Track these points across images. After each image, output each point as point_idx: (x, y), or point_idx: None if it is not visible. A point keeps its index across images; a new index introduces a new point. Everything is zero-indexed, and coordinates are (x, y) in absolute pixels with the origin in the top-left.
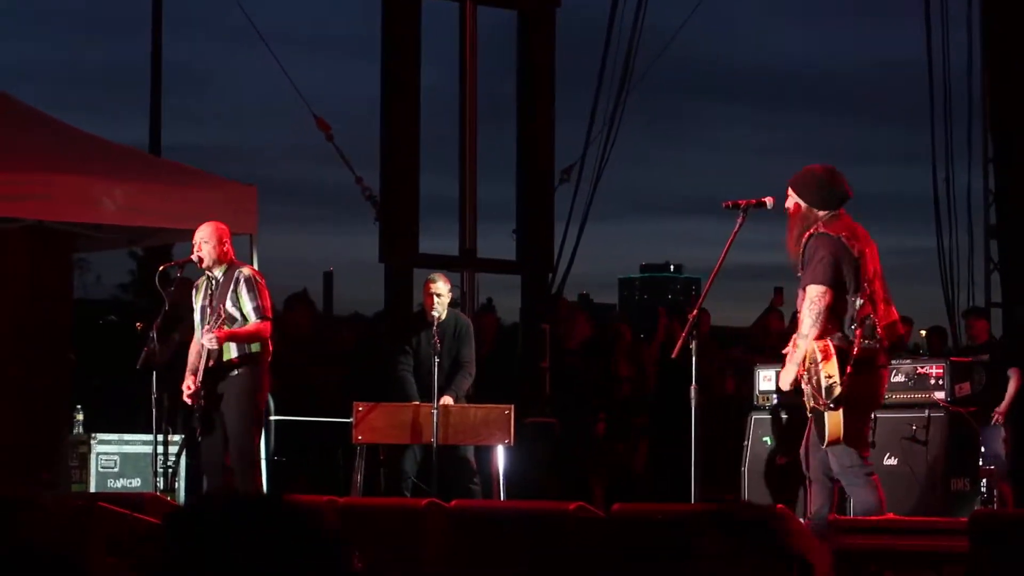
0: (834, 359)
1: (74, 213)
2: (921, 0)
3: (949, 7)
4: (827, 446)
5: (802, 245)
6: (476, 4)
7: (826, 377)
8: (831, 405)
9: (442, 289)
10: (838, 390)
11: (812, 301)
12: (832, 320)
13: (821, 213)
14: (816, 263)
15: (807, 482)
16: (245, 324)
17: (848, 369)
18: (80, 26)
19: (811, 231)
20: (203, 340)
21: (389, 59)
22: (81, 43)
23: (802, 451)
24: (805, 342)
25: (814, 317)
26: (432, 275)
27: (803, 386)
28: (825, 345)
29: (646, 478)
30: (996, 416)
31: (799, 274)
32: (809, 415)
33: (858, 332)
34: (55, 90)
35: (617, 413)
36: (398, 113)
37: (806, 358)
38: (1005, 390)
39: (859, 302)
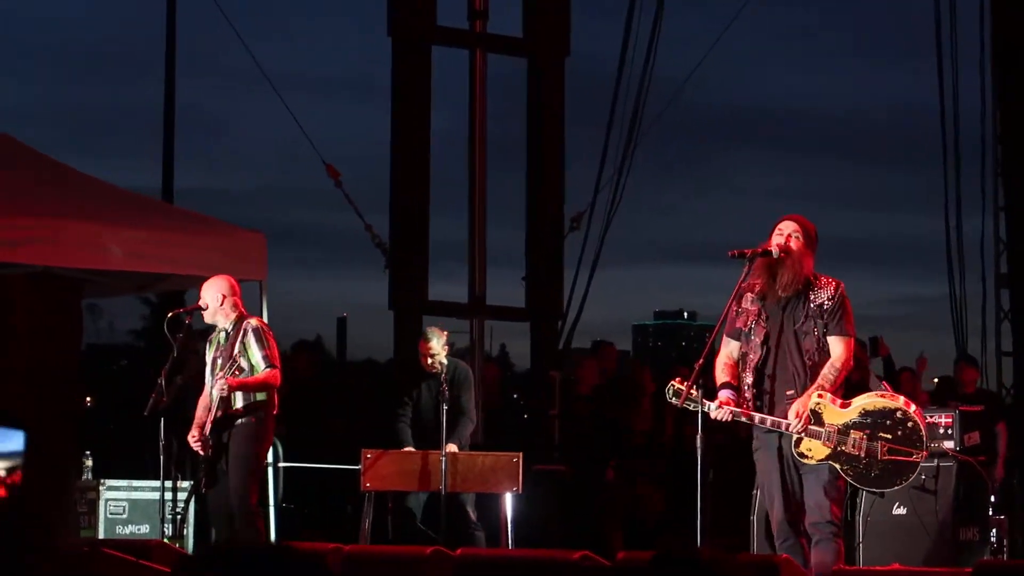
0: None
1: (80, 259)
2: (933, 45)
3: (961, 52)
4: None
5: (827, 295)
6: (486, 51)
7: (918, 426)
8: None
9: (435, 347)
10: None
11: (849, 356)
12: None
13: (811, 262)
14: (850, 316)
15: (790, 536)
16: (253, 373)
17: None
18: (90, 67)
19: (829, 281)
20: (212, 389)
21: (398, 104)
22: (91, 85)
23: (782, 511)
24: (831, 388)
25: (840, 370)
26: (426, 331)
27: (829, 440)
28: (907, 400)
29: (664, 525)
30: (1000, 474)
31: (789, 313)
32: (805, 469)
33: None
34: (62, 133)
35: (630, 460)
36: (407, 158)
37: (867, 411)
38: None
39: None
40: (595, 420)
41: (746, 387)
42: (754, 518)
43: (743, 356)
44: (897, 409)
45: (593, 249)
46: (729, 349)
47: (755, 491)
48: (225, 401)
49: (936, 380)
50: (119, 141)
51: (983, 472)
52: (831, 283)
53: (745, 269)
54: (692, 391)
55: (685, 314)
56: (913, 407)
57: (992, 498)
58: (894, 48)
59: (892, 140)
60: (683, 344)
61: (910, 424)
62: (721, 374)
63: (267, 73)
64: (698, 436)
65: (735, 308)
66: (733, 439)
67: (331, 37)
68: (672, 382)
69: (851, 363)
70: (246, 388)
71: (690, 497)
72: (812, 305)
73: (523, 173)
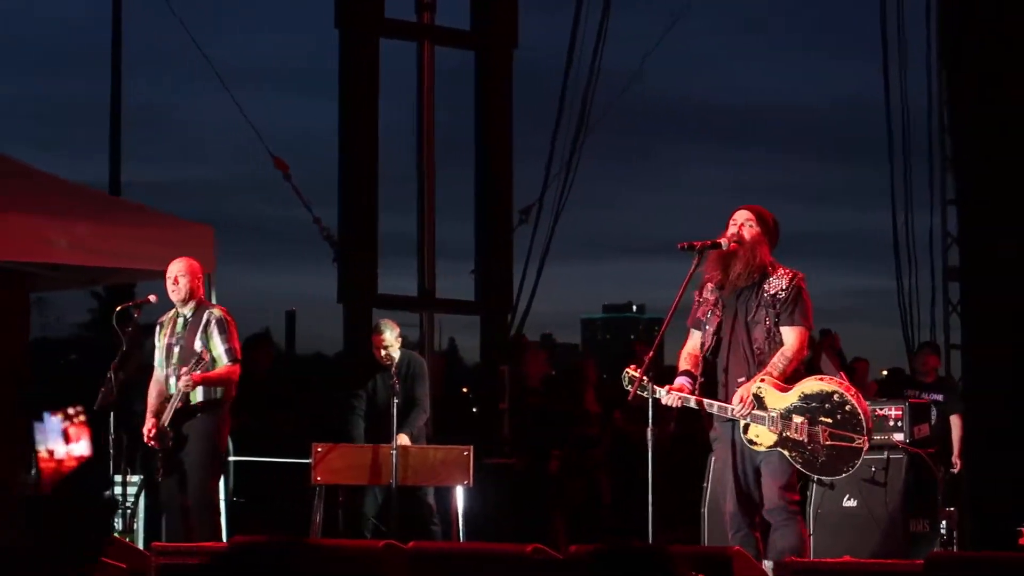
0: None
1: (25, 252)
2: (879, 39)
3: (907, 45)
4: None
5: (783, 285)
6: (434, 44)
7: (856, 410)
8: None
9: (389, 339)
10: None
11: (802, 346)
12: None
13: (768, 252)
14: (805, 307)
15: (742, 527)
16: (215, 365)
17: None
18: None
19: (785, 272)
20: (177, 383)
21: (346, 97)
22: (40, 78)
23: (734, 502)
24: (780, 377)
25: (791, 359)
26: (379, 324)
27: (774, 425)
28: (846, 385)
29: (614, 517)
30: (957, 465)
31: (744, 302)
32: (756, 457)
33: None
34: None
35: (575, 450)
36: (356, 151)
37: (806, 394)
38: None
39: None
40: (542, 413)
41: (702, 376)
42: (704, 510)
43: (702, 345)
44: (834, 392)
45: (542, 242)
46: (692, 339)
47: (705, 484)
48: (185, 395)
49: (885, 372)
50: (67, 135)
51: (933, 464)
52: (787, 273)
53: (695, 261)
54: (644, 379)
55: (634, 307)
56: (853, 391)
57: (941, 490)
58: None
59: (840, 134)
60: (632, 337)
61: (847, 408)
62: (682, 362)
63: (216, 66)
64: (648, 428)
65: (697, 298)
66: (685, 430)
67: (279, 29)
68: (627, 369)
69: (803, 353)
70: (208, 382)
71: (640, 488)
72: (766, 295)
73: (472, 166)
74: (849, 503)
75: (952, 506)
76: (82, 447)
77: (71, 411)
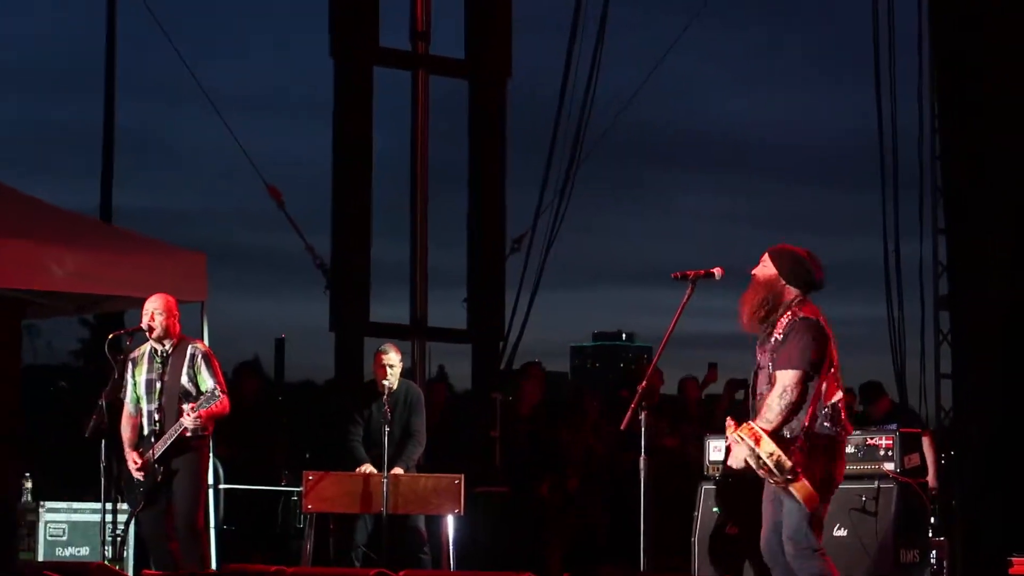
0: (764, 437)
1: (20, 279)
2: (871, 69)
3: (899, 75)
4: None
5: (782, 328)
6: (428, 73)
7: (768, 456)
8: (789, 478)
9: (394, 360)
10: (788, 462)
11: (785, 389)
12: (799, 408)
13: (791, 290)
14: (795, 348)
15: (776, 565)
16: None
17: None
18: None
19: (791, 313)
20: (179, 418)
21: (340, 125)
22: (32, 105)
23: (762, 538)
24: (767, 426)
25: (783, 407)
26: (383, 346)
27: (759, 472)
28: (750, 430)
29: (609, 547)
30: (933, 490)
31: (763, 348)
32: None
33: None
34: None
35: (571, 481)
36: (349, 180)
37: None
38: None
39: (824, 387)
40: (534, 441)
41: None
42: (695, 539)
43: None
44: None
45: (534, 271)
46: None
47: (696, 512)
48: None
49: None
50: (59, 161)
51: (923, 494)
52: (790, 314)
53: (688, 291)
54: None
55: (624, 335)
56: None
57: (932, 520)
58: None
59: (831, 163)
60: (621, 365)
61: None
62: None
63: (209, 94)
64: (641, 458)
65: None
66: (673, 461)
67: (274, 57)
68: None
69: (791, 396)
70: (212, 417)
71: (634, 518)
72: (772, 340)
73: (465, 195)
74: (839, 532)
75: (942, 536)
76: None
77: None
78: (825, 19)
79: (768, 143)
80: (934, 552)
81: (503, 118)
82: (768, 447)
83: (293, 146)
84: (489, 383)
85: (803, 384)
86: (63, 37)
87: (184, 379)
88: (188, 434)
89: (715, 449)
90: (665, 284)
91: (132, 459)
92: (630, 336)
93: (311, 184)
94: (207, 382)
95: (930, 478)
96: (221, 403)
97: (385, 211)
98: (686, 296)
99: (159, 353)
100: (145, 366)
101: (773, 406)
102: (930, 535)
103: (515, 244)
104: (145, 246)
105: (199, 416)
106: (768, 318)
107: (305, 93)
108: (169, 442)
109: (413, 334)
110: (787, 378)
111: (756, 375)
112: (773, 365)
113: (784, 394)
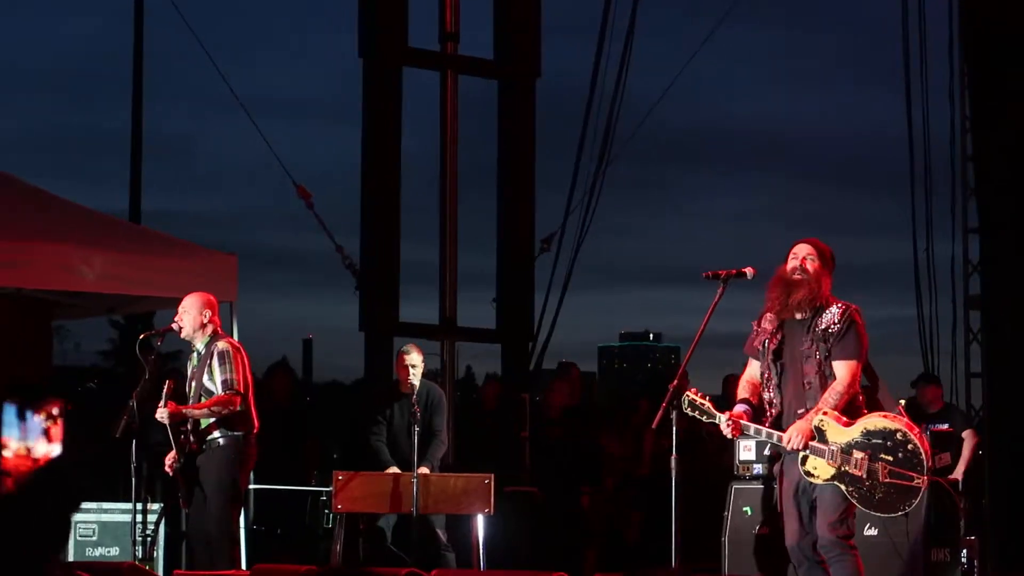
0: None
1: (53, 281)
2: (902, 68)
3: (930, 74)
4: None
5: (838, 318)
6: (457, 73)
7: (918, 449)
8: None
9: (416, 360)
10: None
11: (852, 379)
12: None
13: (830, 281)
14: (855, 339)
15: (803, 561)
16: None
17: None
18: (60, 92)
19: (843, 305)
20: (156, 414)
21: (369, 126)
22: (61, 109)
23: (792, 536)
24: (830, 412)
25: (847, 394)
26: (405, 346)
27: (833, 459)
28: (909, 423)
29: (641, 547)
30: (959, 477)
31: (797, 333)
32: (813, 490)
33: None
34: (33, 157)
35: (607, 486)
36: (378, 180)
37: (868, 430)
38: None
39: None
40: (567, 444)
41: (765, 404)
42: (725, 539)
43: (761, 374)
44: (897, 431)
45: (563, 271)
46: (751, 368)
47: (726, 513)
48: (196, 425)
49: (903, 401)
50: (90, 164)
51: (954, 493)
52: (842, 307)
53: (720, 290)
54: (706, 402)
55: (651, 335)
56: (916, 430)
57: (963, 519)
58: (861, 72)
59: (860, 163)
60: (648, 365)
61: (910, 447)
62: (740, 390)
63: (239, 95)
64: (672, 458)
65: (755, 327)
66: (706, 460)
67: (303, 58)
68: (688, 392)
69: (855, 387)
70: (192, 415)
71: (667, 520)
72: (818, 329)
73: (494, 195)
74: (870, 532)
75: (973, 535)
76: (57, 448)
77: (55, 411)
78: (854, 20)
79: (796, 144)
80: (965, 551)
81: (532, 118)
82: (924, 443)
83: (322, 147)
84: (518, 383)
85: (858, 375)
86: (93, 41)
87: (204, 377)
88: (217, 434)
89: (745, 449)
90: (692, 284)
91: (171, 456)
92: (657, 336)
93: (341, 185)
94: (216, 379)
95: (958, 472)
96: (212, 400)
97: (414, 211)
98: (717, 295)
99: (196, 352)
100: (191, 366)
101: (839, 393)
102: (961, 534)
103: (544, 245)
104: (175, 247)
105: (167, 412)
106: (812, 304)
107: (335, 94)
108: (187, 442)
109: (443, 334)
110: (852, 368)
111: (794, 358)
112: (829, 355)
113: (851, 383)
